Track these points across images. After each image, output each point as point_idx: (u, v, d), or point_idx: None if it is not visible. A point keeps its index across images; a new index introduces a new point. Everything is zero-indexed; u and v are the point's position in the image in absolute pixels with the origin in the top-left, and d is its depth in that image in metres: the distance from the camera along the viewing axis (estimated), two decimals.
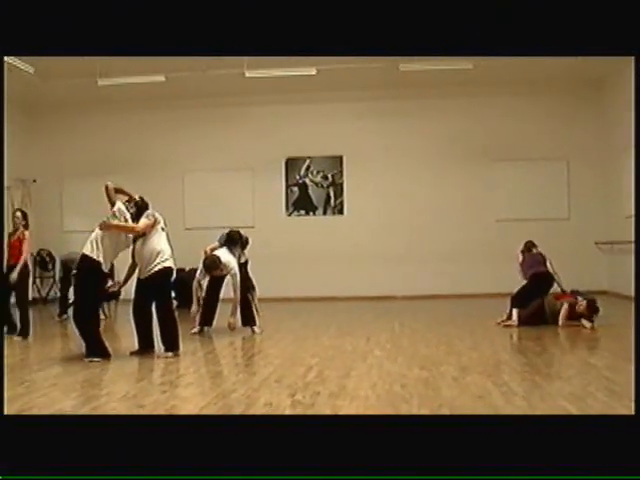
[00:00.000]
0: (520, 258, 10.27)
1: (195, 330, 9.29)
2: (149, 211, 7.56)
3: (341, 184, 15.34)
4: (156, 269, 7.36)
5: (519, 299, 9.73)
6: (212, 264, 8.86)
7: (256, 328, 9.30)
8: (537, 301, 9.58)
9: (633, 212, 10.90)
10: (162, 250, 7.44)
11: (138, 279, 7.56)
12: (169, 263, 7.48)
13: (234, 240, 9.43)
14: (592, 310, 9.25)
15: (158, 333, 7.50)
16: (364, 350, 7.61)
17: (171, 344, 7.37)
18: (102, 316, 10.98)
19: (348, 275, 14.88)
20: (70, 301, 11.73)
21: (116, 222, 7.30)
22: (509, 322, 9.57)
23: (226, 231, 9.62)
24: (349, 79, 14.04)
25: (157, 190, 14.49)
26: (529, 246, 10.37)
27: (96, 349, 7.23)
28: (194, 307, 9.26)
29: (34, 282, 15.34)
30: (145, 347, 7.51)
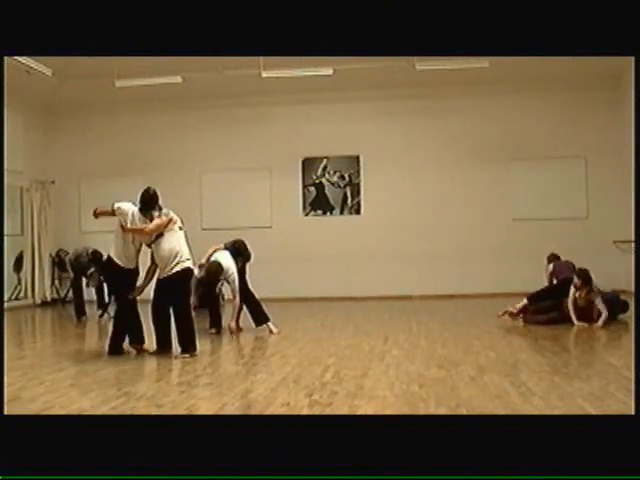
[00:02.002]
0: (550, 267, 10.25)
1: (213, 330, 9.30)
2: (164, 210, 7.58)
3: (358, 184, 15.32)
4: (175, 270, 7.38)
5: (536, 295, 9.77)
6: (215, 273, 8.99)
7: (272, 325, 9.30)
8: (551, 302, 9.59)
9: (633, 212, 10.81)
10: (180, 250, 7.45)
11: (158, 279, 7.56)
12: (188, 264, 7.50)
13: (239, 251, 9.49)
14: (586, 277, 9.33)
15: (175, 334, 7.52)
16: (381, 350, 7.60)
17: (188, 345, 7.37)
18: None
19: (365, 275, 14.87)
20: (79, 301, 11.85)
21: (129, 225, 7.40)
22: (510, 309, 9.68)
23: (233, 239, 9.69)
24: (366, 79, 14.05)
25: (174, 191, 14.56)
26: (556, 255, 10.36)
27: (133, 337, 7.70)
28: (194, 299, 9.29)
29: (52, 283, 15.46)
30: (163, 347, 7.54)
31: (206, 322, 9.52)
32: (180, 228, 7.58)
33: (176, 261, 7.38)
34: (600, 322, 9.02)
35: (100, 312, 11.77)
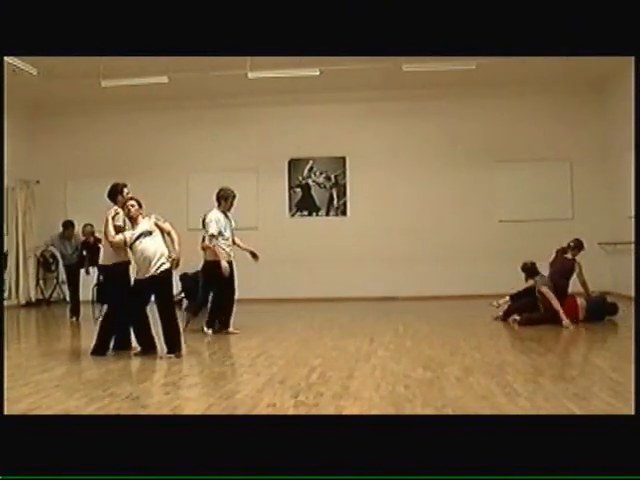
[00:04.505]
0: (552, 256, 10.30)
1: (210, 332, 9.23)
2: (155, 214, 7.69)
3: (344, 185, 15.35)
4: (162, 269, 7.39)
5: (517, 294, 9.92)
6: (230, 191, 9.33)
7: (231, 329, 9.27)
8: (527, 300, 9.73)
9: (633, 213, 10.88)
10: (164, 252, 7.49)
11: (137, 280, 7.51)
12: (168, 265, 7.51)
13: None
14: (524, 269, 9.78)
15: (161, 334, 7.50)
16: (367, 351, 7.60)
17: (173, 345, 7.37)
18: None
19: (351, 276, 14.88)
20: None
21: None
22: (493, 302, 10.15)
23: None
24: (352, 80, 14.06)
25: (161, 191, 14.59)
26: (567, 248, 10.30)
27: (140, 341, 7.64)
28: (224, 263, 9.05)
29: (37, 284, 15.38)
30: (148, 348, 7.54)
31: (196, 323, 9.47)
32: (151, 233, 7.56)
33: (161, 262, 7.39)
34: (563, 319, 9.20)
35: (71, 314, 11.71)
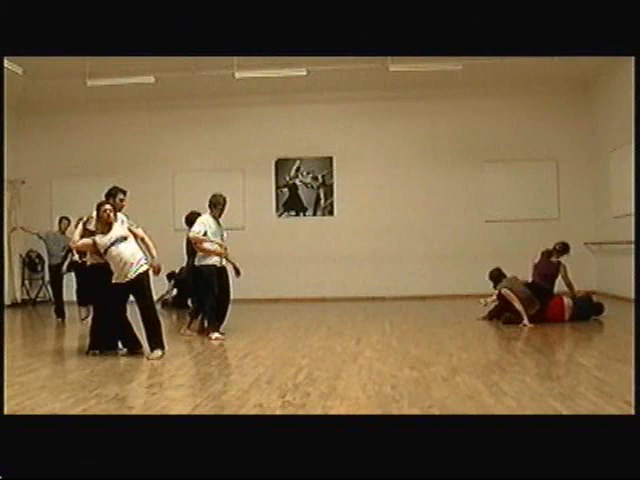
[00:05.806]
0: (537, 258, 10.30)
1: (186, 332, 9.25)
2: (129, 220, 7.88)
3: (331, 185, 15.34)
4: (140, 271, 7.42)
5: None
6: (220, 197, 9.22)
7: (213, 335, 8.87)
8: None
9: (633, 211, 10.90)
10: (141, 254, 7.57)
11: (117, 284, 7.45)
12: (146, 266, 7.52)
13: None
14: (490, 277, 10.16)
15: (144, 334, 7.51)
16: (354, 351, 7.60)
17: (157, 343, 7.45)
18: (82, 316, 10.95)
19: (338, 276, 14.89)
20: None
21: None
22: (481, 300, 10.21)
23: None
24: (339, 80, 14.07)
25: (147, 191, 14.54)
26: (553, 251, 10.29)
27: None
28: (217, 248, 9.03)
29: (22, 284, 15.30)
30: (133, 348, 7.61)
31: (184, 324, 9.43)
32: (125, 238, 7.58)
33: (140, 263, 7.44)
34: (524, 319, 9.39)
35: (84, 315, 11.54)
